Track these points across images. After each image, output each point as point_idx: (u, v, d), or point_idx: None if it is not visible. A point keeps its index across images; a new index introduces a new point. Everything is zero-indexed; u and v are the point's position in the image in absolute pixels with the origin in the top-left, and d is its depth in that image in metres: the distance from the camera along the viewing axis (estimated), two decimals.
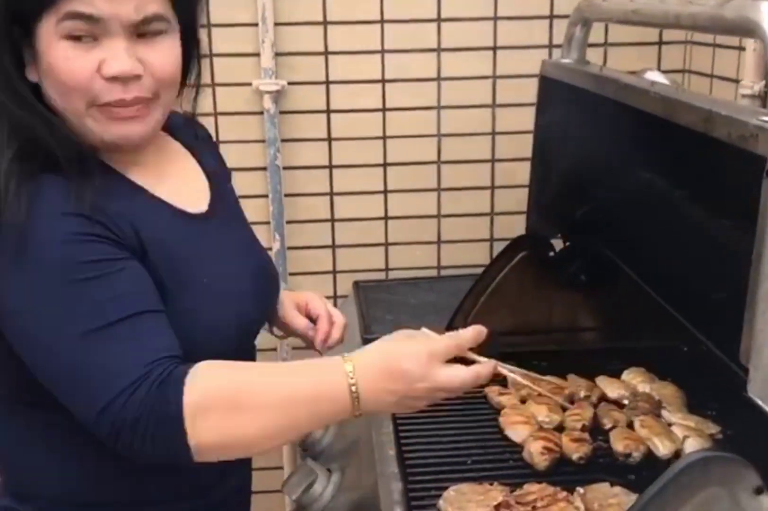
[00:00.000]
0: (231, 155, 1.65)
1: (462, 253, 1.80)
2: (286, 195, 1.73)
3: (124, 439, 0.79)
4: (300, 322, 1.17)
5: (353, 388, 0.82)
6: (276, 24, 1.62)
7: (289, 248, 1.76)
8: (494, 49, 1.69)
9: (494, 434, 1.15)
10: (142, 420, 0.78)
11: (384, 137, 1.72)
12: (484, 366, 0.89)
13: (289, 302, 1.19)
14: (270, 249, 1.74)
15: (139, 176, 0.95)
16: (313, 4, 1.64)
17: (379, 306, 1.63)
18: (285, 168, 1.71)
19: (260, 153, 1.70)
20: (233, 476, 1.04)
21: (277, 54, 1.64)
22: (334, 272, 1.79)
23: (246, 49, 1.64)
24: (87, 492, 0.96)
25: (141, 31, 0.87)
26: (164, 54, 0.89)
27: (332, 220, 1.76)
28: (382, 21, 1.66)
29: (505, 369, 0.98)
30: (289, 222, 1.74)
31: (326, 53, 1.67)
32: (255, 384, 0.83)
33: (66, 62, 0.85)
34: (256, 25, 1.62)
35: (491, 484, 1.01)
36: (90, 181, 0.86)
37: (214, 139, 1.49)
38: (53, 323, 0.82)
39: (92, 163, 0.89)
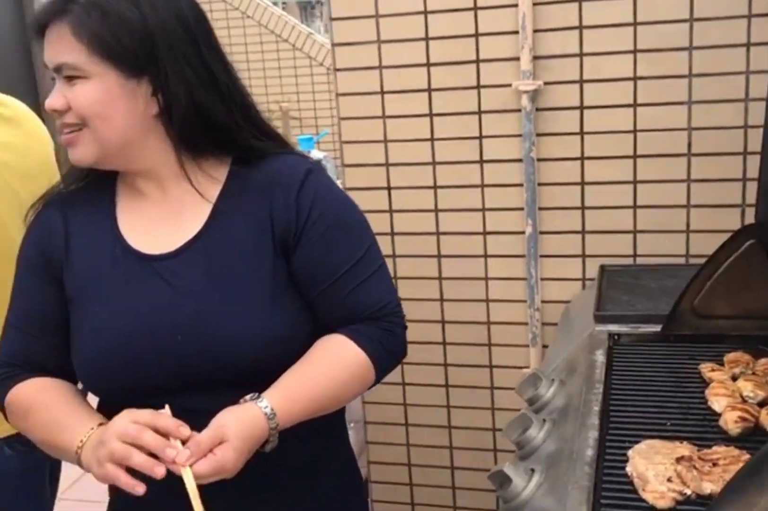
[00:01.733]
0: (491, 148, 1.88)
1: (711, 243, 1.86)
2: (539, 184, 1.91)
3: None
4: (204, 436, 0.99)
5: (78, 454, 1.04)
6: (534, 31, 1.81)
7: (541, 233, 1.94)
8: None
9: (699, 404, 1.26)
10: None
11: (635, 131, 1.84)
12: (154, 437, 0.96)
13: (233, 419, 1.02)
14: (522, 233, 1.93)
15: (127, 208, 1.17)
16: (569, 10, 1.80)
17: (620, 288, 1.76)
18: (539, 160, 1.89)
19: (517, 146, 1.90)
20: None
21: (535, 57, 1.83)
22: (584, 255, 1.94)
23: (507, 54, 1.85)
24: None
25: (63, 75, 1.09)
26: (78, 94, 1.07)
27: (582, 207, 1.91)
28: (634, 23, 1.77)
29: (186, 470, 0.96)
30: (541, 208, 1.92)
31: (581, 55, 1.82)
32: (35, 413, 1.12)
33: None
34: (516, 32, 1.82)
35: (681, 442, 1.14)
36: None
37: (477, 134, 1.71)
38: None
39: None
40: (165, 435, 0.98)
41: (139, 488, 0.95)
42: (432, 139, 1.97)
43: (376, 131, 2.00)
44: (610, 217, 1.90)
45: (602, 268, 1.88)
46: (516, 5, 1.80)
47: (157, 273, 1.11)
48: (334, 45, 1.98)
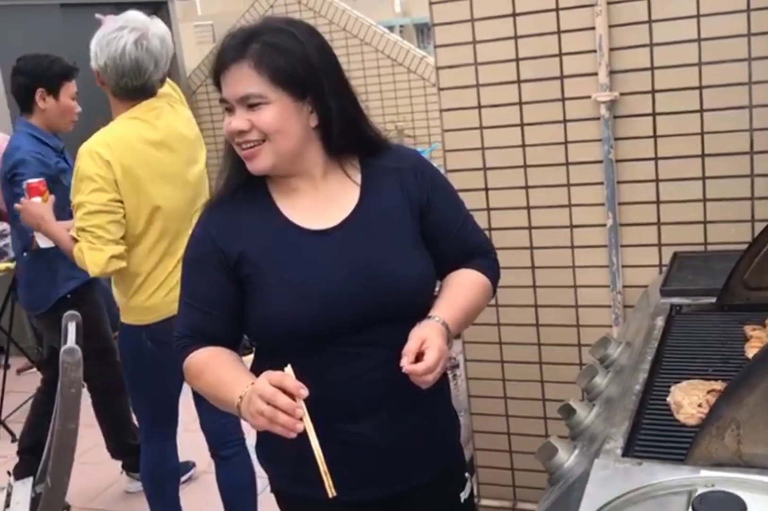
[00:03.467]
0: (575, 152, 2.15)
1: None
2: (618, 182, 2.18)
3: None
4: (411, 346, 1.33)
5: (240, 400, 1.31)
6: (610, 49, 2.09)
7: (621, 225, 2.21)
8: None
9: (738, 356, 1.50)
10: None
11: (702, 133, 2.08)
12: (288, 398, 1.23)
13: (426, 330, 1.37)
14: (604, 225, 2.21)
15: (286, 201, 1.45)
16: (640, 30, 2.07)
17: (688, 270, 2.00)
18: (617, 161, 2.17)
19: (598, 150, 2.18)
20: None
21: (611, 72, 2.11)
22: (659, 245, 2.19)
23: (587, 70, 2.14)
24: None
25: (246, 103, 1.36)
26: (262, 116, 1.36)
27: (657, 202, 2.17)
28: (699, 39, 2.03)
29: (305, 421, 1.24)
30: (620, 204, 2.19)
31: (652, 69, 2.08)
32: (206, 375, 1.41)
33: (226, 123, 1.40)
34: (594, 51, 2.10)
35: (717, 381, 1.39)
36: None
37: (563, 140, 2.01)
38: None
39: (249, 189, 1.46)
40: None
41: (292, 433, 1.23)
42: (523, 146, 2.27)
43: (474, 140, 2.32)
44: (683, 210, 2.15)
45: (675, 254, 2.12)
46: (593, 28, 2.09)
47: (331, 241, 1.42)
48: (438, 68, 2.32)
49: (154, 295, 2.36)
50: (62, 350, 1.78)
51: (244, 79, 1.36)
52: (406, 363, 1.31)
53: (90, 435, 3.66)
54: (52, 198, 2.56)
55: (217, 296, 1.44)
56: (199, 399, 2.42)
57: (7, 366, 4.03)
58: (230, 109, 1.39)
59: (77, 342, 1.85)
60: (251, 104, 1.36)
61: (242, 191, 1.47)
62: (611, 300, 2.27)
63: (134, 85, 2.29)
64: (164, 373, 2.33)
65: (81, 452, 3.43)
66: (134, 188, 2.26)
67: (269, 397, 1.23)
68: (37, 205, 2.51)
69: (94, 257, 2.20)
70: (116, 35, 2.25)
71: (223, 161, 1.49)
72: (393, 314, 1.43)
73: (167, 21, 5.77)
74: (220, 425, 2.53)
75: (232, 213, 1.46)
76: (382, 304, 1.41)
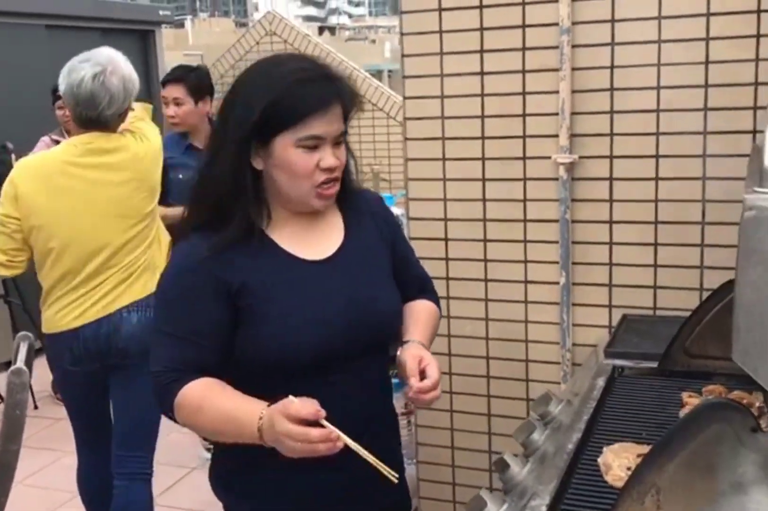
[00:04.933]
0: (531, 210, 2.20)
1: None
2: (573, 242, 2.23)
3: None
4: (412, 366, 1.43)
5: (260, 432, 1.30)
6: (572, 113, 2.17)
7: (574, 284, 2.26)
8: None
9: (673, 421, 1.54)
10: (155, 393, 1.44)
11: (656, 200, 2.15)
12: (318, 430, 1.25)
13: (416, 350, 1.48)
14: (557, 283, 2.25)
15: (281, 233, 1.48)
16: (602, 97, 2.15)
17: (634, 332, 2.06)
18: (574, 221, 2.22)
19: (555, 209, 2.24)
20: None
21: (572, 135, 2.18)
22: (610, 306, 2.24)
23: (548, 132, 2.21)
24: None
25: (335, 141, 1.43)
26: (342, 153, 1.46)
27: (610, 264, 2.22)
28: (657, 110, 2.11)
29: (342, 438, 1.28)
30: (574, 263, 2.25)
31: (611, 135, 2.16)
32: (207, 409, 1.37)
33: (299, 161, 1.40)
34: (557, 114, 2.18)
35: (648, 445, 1.43)
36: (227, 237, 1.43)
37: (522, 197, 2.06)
38: (155, 314, 1.54)
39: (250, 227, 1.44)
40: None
41: (339, 443, 1.26)
42: (484, 200, 2.32)
43: (437, 191, 2.37)
44: (635, 273, 2.20)
45: (623, 316, 2.17)
46: (557, 92, 2.16)
47: (325, 272, 1.48)
48: (406, 119, 2.38)
49: (50, 307, 2.51)
50: (10, 370, 1.78)
51: (337, 118, 1.42)
52: (415, 383, 1.40)
53: (38, 457, 3.62)
54: None
55: (210, 325, 1.42)
56: None
57: None
58: (311, 147, 1.40)
59: (26, 363, 1.85)
60: (338, 142, 1.43)
61: (218, 223, 1.45)
62: (560, 357, 2.30)
63: (88, 115, 2.41)
64: (72, 391, 2.62)
65: (27, 475, 3.40)
66: (47, 204, 2.40)
67: (301, 437, 1.25)
68: None
69: None
70: (79, 66, 2.38)
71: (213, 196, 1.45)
72: (376, 343, 1.52)
73: (153, 49, 5.85)
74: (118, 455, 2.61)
75: (217, 242, 1.43)
76: (371, 332, 1.50)
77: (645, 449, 1.39)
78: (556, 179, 2.21)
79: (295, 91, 1.38)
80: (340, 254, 1.51)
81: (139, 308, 2.51)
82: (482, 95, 2.27)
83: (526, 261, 2.31)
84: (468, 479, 2.51)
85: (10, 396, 1.78)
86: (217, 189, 1.43)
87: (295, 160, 1.40)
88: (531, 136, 2.24)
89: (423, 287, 1.70)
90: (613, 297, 2.24)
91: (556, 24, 2.16)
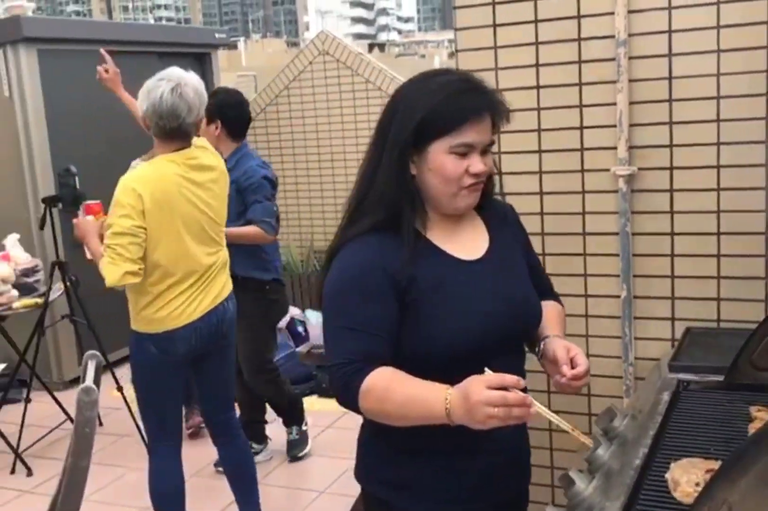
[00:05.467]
0: (590, 223, 2.18)
1: None
2: (633, 255, 2.21)
3: (331, 390, 1.50)
4: (562, 355, 1.55)
5: (447, 410, 1.33)
6: (630, 125, 2.15)
7: (635, 297, 2.23)
8: None
9: (741, 436, 1.52)
10: (335, 385, 1.47)
11: (718, 211, 2.12)
12: (514, 393, 1.29)
13: (562, 341, 1.60)
14: (618, 297, 2.23)
15: (436, 235, 1.57)
16: (661, 108, 2.13)
17: (699, 345, 2.02)
18: (634, 234, 2.20)
19: (615, 222, 2.22)
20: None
21: (630, 147, 2.17)
22: (673, 319, 2.21)
23: (606, 143, 2.20)
24: (390, 434, 1.51)
25: (483, 149, 1.52)
26: (489, 162, 1.55)
27: (672, 276, 2.19)
28: (717, 120, 2.08)
29: (535, 404, 1.32)
30: (635, 276, 2.22)
31: (671, 146, 2.14)
32: (394, 392, 1.41)
33: (450, 165, 1.50)
34: (614, 126, 2.16)
35: (717, 460, 1.40)
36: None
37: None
38: (328, 311, 1.55)
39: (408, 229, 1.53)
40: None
41: (533, 409, 1.31)
42: (542, 213, 2.32)
43: None
44: (697, 285, 2.17)
45: (687, 329, 2.14)
46: (614, 104, 2.15)
47: (479, 270, 1.58)
48: None
49: (162, 309, 2.70)
50: (80, 388, 1.82)
51: (488, 128, 1.52)
52: (568, 370, 1.52)
53: (104, 473, 3.70)
54: (102, 218, 2.91)
55: (386, 319, 1.50)
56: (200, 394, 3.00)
57: (28, 400, 4.08)
58: (462, 154, 1.50)
59: (95, 381, 1.90)
60: (485, 150, 1.53)
61: (385, 225, 1.55)
62: (623, 371, 2.28)
63: (171, 126, 2.66)
64: (168, 382, 2.78)
65: (93, 491, 3.47)
66: (162, 216, 2.61)
67: (500, 401, 1.28)
68: (87, 222, 2.87)
69: (110, 271, 2.55)
70: (156, 85, 2.66)
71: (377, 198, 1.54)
72: (524, 339, 1.65)
73: (209, 71, 5.97)
74: (221, 419, 2.98)
75: (386, 243, 1.53)
76: (523, 329, 1.62)
77: (714, 464, 1.37)
78: (616, 192, 2.20)
79: (452, 101, 1.49)
80: (489, 255, 1.61)
81: (230, 298, 2.90)
82: (538, 109, 2.27)
83: (585, 275, 2.30)
84: (532, 495, 2.48)
85: (80, 414, 1.81)
86: (382, 194, 1.53)
87: (447, 165, 1.50)
88: (589, 149, 2.23)
89: (550, 290, 1.81)
90: (676, 310, 2.21)
91: (613, 36, 2.15)
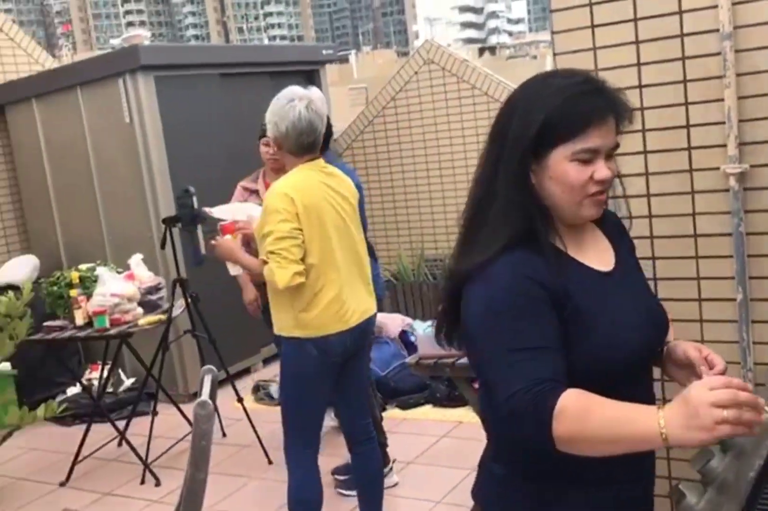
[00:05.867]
0: (701, 224, 2.11)
1: None
2: (748, 256, 2.12)
3: (509, 423, 1.31)
4: (696, 355, 1.47)
5: (661, 426, 1.17)
6: (740, 121, 2.07)
7: (752, 300, 2.13)
8: None
9: None
10: (520, 413, 1.28)
11: None
12: (745, 392, 1.15)
13: (689, 343, 1.53)
14: (734, 300, 2.14)
15: (568, 246, 1.47)
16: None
17: None
18: (748, 234, 2.11)
19: (727, 222, 2.13)
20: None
21: (741, 144, 2.08)
22: None
23: (715, 141, 2.11)
24: (533, 466, 1.41)
25: (608, 153, 1.43)
26: (614, 166, 1.44)
27: None
28: None
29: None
30: (751, 278, 2.12)
31: None
32: (595, 413, 1.24)
33: (574, 173, 1.41)
34: (723, 123, 2.08)
35: None
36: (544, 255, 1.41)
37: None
38: (488, 338, 1.38)
39: (547, 243, 1.43)
40: None
41: (764, 416, 1.18)
42: (650, 216, 2.25)
43: None
44: None
45: None
46: (722, 100, 2.07)
47: (616, 282, 1.51)
48: None
49: (322, 311, 2.76)
50: (196, 402, 1.89)
51: (612, 131, 1.42)
52: (706, 370, 1.43)
53: (226, 483, 3.81)
54: (239, 236, 3.09)
55: (556, 335, 1.38)
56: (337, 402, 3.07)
57: (155, 413, 4.26)
58: (586, 161, 1.41)
59: (211, 395, 1.96)
60: (609, 154, 1.44)
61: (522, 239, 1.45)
62: (741, 377, 2.17)
63: (308, 141, 2.80)
64: (323, 385, 2.83)
65: (216, 500, 3.59)
66: (311, 219, 2.73)
67: (730, 400, 1.15)
68: (228, 242, 3.01)
69: (281, 274, 2.65)
70: (290, 105, 2.78)
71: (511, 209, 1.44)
72: (660, 349, 1.56)
73: (319, 86, 6.09)
74: (361, 425, 3.03)
75: (532, 257, 1.42)
76: (661, 339, 1.55)
77: None
78: (727, 191, 2.11)
79: (574, 103, 1.39)
80: (618, 266, 1.54)
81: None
82: (642, 109, 2.20)
83: (698, 278, 2.21)
84: None
85: (197, 427, 1.88)
86: (506, 207, 1.42)
87: (570, 172, 1.41)
88: (697, 148, 2.15)
89: None
90: None
91: (717, 30, 2.07)
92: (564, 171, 1.41)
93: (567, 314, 1.39)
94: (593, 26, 2.27)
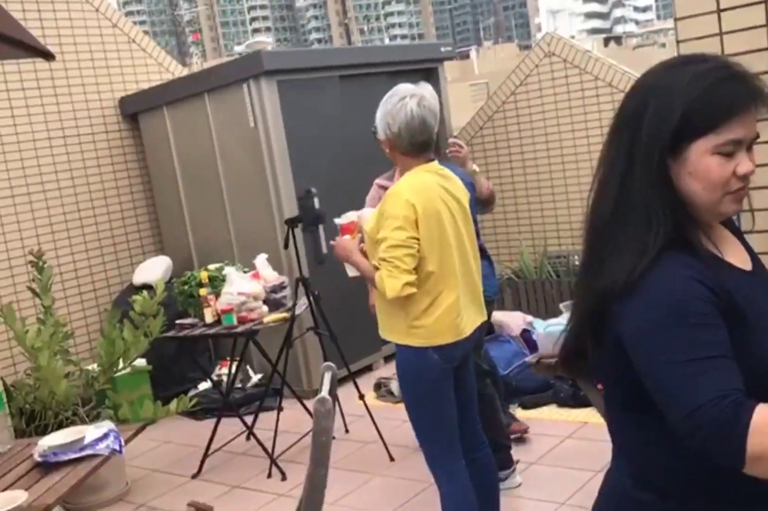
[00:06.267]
0: None
1: None
2: None
3: (696, 438, 1.19)
4: None
5: None
6: None
7: None
8: None
9: None
10: (710, 428, 1.17)
11: None
12: None
13: None
14: None
15: (711, 245, 1.36)
16: None
17: None
18: None
19: None
20: None
21: None
22: None
23: None
24: (687, 487, 1.31)
25: (748, 144, 1.31)
26: (754, 158, 1.31)
27: None
28: None
29: None
30: None
31: None
32: None
33: (717, 169, 1.29)
34: None
35: None
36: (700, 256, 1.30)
37: None
38: (661, 350, 1.25)
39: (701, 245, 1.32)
40: None
41: None
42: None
43: None
44: None
45: None
46: None
47: (763, 283, 1.40)
48: None
49: (438, 319, 2.68)
50: (315, 399, 1.92)
51: (754, 120, 1.31)
52: None
53: (350, 479, 3.87)
54: (359, 236, 2.99)
55: (729, 341, 1.26)
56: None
57: (281, 408, 4.36)
58: (728, 154, 1.30)
59: (330, 392, 1.99)
60: (750, 146, 1.32)
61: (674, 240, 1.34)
62: None
63: (422, 139, 2.71)
64: (449, 390, 2.73)
65: (340, 496, 3.65)
66: (431, 225, 2.65)
67: None
68: (347, 242, 2.92)
69: (391, 284, 2.58)
70: (401, 103, 2.69)
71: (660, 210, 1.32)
72: None
73: (437, 83, 6.10)
74: (475, 430, 2.95)
75: (693, 262, 1.31)
76: None
77: None
78: None
79: (714, 91, 1.28)
80: (755, 265, 1.43)
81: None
82: None
83: None
84: None
85: (317, 423, 1.91)
86: (647, 207, 1.31)
87: (713, 167, 1.29)
88: None
89: None
90: None
91: None
92: (707, 166, 1.29)
93: (731, 319, 1.27)
94: (719, 10, 2.16)
